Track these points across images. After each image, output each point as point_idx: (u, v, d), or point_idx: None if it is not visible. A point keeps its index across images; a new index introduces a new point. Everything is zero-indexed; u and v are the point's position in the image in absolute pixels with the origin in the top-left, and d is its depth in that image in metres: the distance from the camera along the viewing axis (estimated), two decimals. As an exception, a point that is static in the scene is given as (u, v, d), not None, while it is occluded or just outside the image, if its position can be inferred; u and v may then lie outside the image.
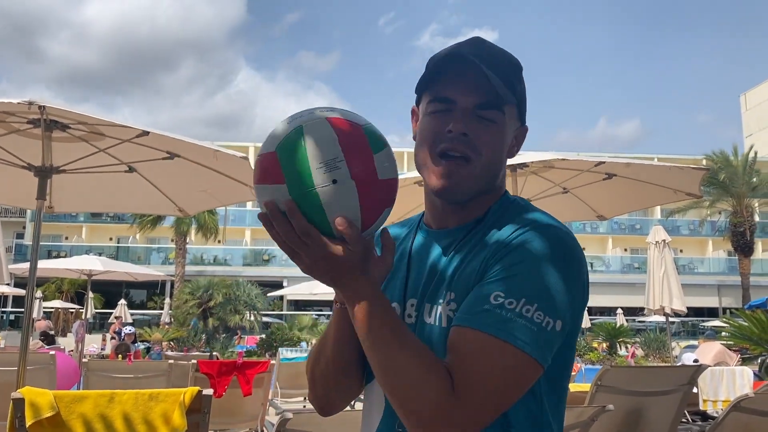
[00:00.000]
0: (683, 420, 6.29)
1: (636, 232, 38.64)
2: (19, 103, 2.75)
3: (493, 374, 0.93)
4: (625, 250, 39.86)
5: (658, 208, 37.23)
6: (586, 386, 4.10)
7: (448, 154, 1.05)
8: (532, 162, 3.87)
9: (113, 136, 3.55)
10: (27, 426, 2.35)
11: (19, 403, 2.37)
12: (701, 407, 6.81)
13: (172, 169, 3.89)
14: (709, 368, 7.02)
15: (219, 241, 33.40)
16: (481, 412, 0.93)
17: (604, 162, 3.81)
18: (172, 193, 4.28)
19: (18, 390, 2.43)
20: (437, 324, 1.05)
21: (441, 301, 1.06)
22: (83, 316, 12.49)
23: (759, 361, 12.71)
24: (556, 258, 0.98)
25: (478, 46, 1.10)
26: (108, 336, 19.82)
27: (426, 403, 0.92)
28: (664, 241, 9.22)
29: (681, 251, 37.55)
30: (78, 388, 6.30)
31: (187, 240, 29.67)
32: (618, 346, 21.46)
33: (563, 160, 3.76)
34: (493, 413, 0.94)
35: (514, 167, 4.07)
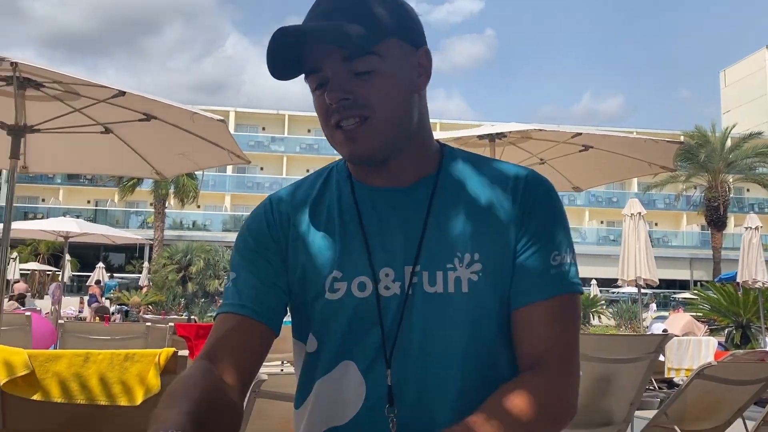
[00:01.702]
0: (650, 387, 6.50)
1: (613, 205, 39.09)
2: (-9, 59, 2.70)
3: (571, 330, 0.96)
4: (602, 222, 40.40)
5: (635, 181, 37.63)
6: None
7: (341, 126, 0.96)
8: (510, 132, 3.90)
9: (89, 96, 3.50)
10: (1, 385, 2.36)
11: (-7, 362, 2.38)
12: (665, 375, 7.03)
13: (148, 131, 3.85)
14: (677, 338, 7.23)
15: (198, 206, 33.14)
16: (573, 368, 0.95)
17: (581, 134, 3.86)
18: (148, 155, 4.24)
19: (-8, 348, 2.43)
20: (456, 291, 0.95)
21: (454, 265, 0.95)
22: (60, 279, 12.39)
23: (726, 332, 13.09)
24: (560, 205, 1.02)
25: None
26: (86, 299, 19.72)
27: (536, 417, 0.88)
28: (639, 213, 9.36)
29: (656, 225, 38.14)
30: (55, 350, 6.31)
31: (166, 204, 29.41)
32: (591, 316, 21.88)
33: (540, 130, 3.79)
34: (577, 362, 0.96)
35: (492, 137, 4.10)
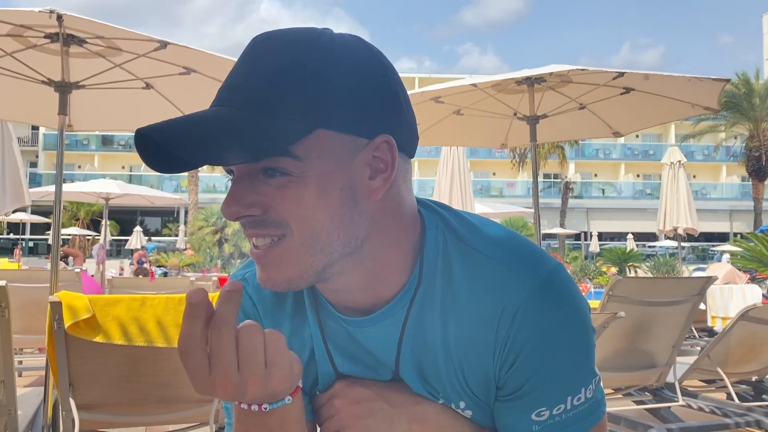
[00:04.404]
0: (689, 336, 6.46)
1: (649, 158, 38.33)
2: (40, 11, 2.76)
3: None
4: (638, 176, 39.68)
5: (673, 132, 36.75)
6: (596, 302, 4.21)
7: (254, 244, 0.75)
8: (551, 74, 3.83)
9: (130, 50, 3.54)
10: (66, 327, 2.46)
11: (56, 306, 2.47)
12: (709, 323, 6.98)
13: (188, 86, 3.89)
14: (719, 286, 7.14)
15: (231, 169, 33.38)
16: None
17: (623, 74, 3.77)
18: (188, 110, 4.29)
19: (55, 294, 2.54)
20: None
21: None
22: (101, 241, 12.74)
23: (767, 283, 12.87)
24: (565, 335, 0.77)
25: (244, 73, 0.71)
26: (127, 263, 20.24)
27: None
28: (679, 162, 9.18)
29: (694, 177, 37.34)
30: (103, 306, 6.51)
31: (199, 168, 29.83)
32: (627, 270, 21.70)
33: (582, 70, 3.71)
34: None
35: (531, 81, 4.03)
